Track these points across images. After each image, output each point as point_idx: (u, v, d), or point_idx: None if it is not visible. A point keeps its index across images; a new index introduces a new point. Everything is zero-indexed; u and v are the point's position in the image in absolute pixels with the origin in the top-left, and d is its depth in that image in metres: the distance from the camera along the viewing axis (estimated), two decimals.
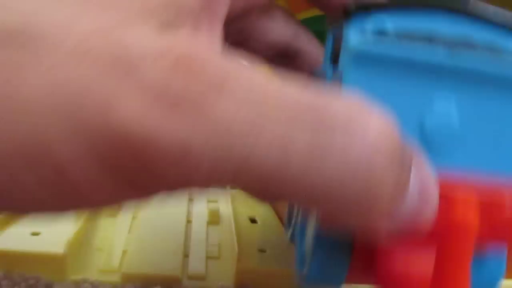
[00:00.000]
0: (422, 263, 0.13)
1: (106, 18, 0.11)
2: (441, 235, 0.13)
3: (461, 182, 0.14)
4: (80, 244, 0.25)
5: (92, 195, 0.11)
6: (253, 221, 0.31)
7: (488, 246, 0.14)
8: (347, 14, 0.14)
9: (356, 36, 0.14)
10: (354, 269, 0.15)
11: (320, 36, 0.20)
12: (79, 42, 0.10)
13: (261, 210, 0.34)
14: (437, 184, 0.12)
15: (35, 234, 0.25)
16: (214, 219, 0.31)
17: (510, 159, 0.14)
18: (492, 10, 0.14)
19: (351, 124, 0.11)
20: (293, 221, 0.22)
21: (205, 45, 0.12)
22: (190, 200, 0.35)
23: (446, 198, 0.13)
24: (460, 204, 0.13)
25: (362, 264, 0.15)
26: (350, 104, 0.11)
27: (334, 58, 0.15)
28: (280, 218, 0.32)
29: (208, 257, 0.26)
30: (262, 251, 0.26)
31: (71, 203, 0.11)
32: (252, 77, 0.11)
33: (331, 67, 0.16)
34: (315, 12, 0.29)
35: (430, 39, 0.14)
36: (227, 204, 0.34)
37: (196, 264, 0.25)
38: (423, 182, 0.12)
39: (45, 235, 0.25)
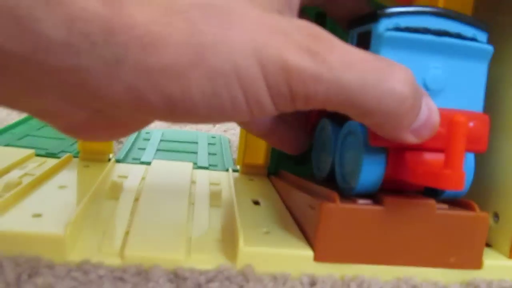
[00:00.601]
0: (437, 157, 0.23)
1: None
2: (449, 130, 0.21)
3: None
4: (81, 226, 0.25)
5: (250, 107, 0.18)
6: (256, 203, 0.31)
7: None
8: (376, 17, 0.24)
9: (384, 28, 0.24)
10: (387, 178, 0.24)
11: None
12: (255, 17, 0.18)
13: (264, 193, 0.34)
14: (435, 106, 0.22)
15: (36, 215, 0.25)
16: (216, 201, 0.31)
17: (473, 100, 0.25)
18: (457, 13, 0.24)
19: (392, 68, 0.19)
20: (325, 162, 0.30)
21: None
22: (193, 182, 0.35)
23: (447, 112, 0.22)
24: (457, 113, 0.21)
25: (392, 171, 0.24)
26: (387, 60, 0.20)
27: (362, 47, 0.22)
28: (283, 200, 0.32)
29: (210, 239, 0.25)
30: (265, 233, 0.26)
31: (234, 111, 0.18)
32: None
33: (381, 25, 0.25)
34: None
35: (425, 30, 0.24)
36: (230, 186, 0.34)
37: (199, 246, 0.24)
38: (429, 104, 0.21)
39: (46, 216, 0.25)
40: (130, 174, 0.36)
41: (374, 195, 0.25)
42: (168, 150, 0.45)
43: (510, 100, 0.28)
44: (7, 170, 0.34)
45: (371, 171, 0.24)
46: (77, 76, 0.16)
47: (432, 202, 0.24)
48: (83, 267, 0.21)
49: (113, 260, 0.22)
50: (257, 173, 0.39)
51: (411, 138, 0.21)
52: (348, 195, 0.25)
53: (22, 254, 0.22)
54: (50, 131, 0.49)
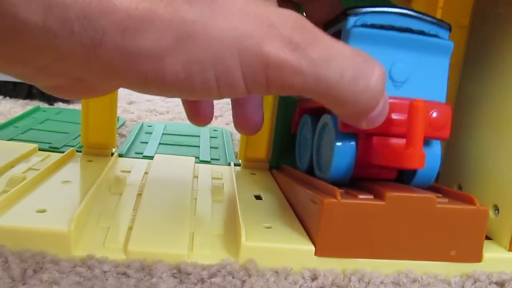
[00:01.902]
0: (400, 141, 0.25)
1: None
2: (409, 114, 0.23)
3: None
4: (85, 221, 0.25)
5: (221, 92, 0.19)
6: (258, 197, 0.31)
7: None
8: (345, 16, 0.26)
9: (351, 25, 0.26)
10: (358, 164, 0.26)
11: None
12: (240, 6, 0.18)
13: (266, 187, 0.34)
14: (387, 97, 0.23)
15: (40, 211, 0.25)
16: (218, 196, 0.31)
17: (436, 91, 0.27)
18: (421, 13, 0.26)
19: (369, 65, 0.20)
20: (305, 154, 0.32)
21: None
22: (195, 177, 0.35)
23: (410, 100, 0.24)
24: (416, 99, 0.23)
25: (362, 157, 0.26)
26: (365, 55, 0.20)
27: None
28: (285, 195, 0.32)
29: (213, 234, 0.26)
30: (267, 228, 0.26)
31: (205, 94, 0.19)
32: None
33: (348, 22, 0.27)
34: None
35: (390, 27, 0.26)
36: (232, 181, 0.34)
37: (201, 241, 0.25)
38: (385, 96, 0.22)
39: (51, 212, 0.25)
40: (133, 169, 0.36)
41: (375, 191, 0.25)
42: (170, 143, 0.46)
43: None
44: (11, 165, 0.34)
45: (342, 157, 0.26)
46: (55, 55, 0.16)
47: (432, 196, 0.24)
48: (88, 263, 0.22)
49: (117, 256, 0.23)
50: (259, 167, 0.39)
51: (364, 125, 0.23)
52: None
53: (27, 249, 0.22)
54: (53, 125, 0.49)
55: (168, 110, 0.64)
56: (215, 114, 0.64)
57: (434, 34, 0.26)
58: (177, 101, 0.69)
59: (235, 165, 0.39)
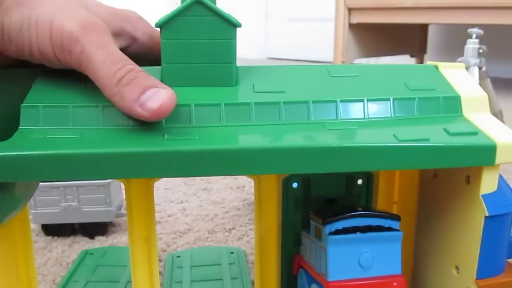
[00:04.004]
0: None
1: None
2: None
3: None
4: None
5: (40, 56, 0.33)
6: None
7: None
8: (323, 223, 0.38)
9: (328, 231, 0.38)
10: None
11: None
12: (60, 2, 0.33)
13: None
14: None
15: None
16: None
17: (393, 267, 0.39)
18: (377, 212, 0.47)
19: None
20: None
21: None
22: None
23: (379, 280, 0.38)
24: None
25: None
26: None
27: (318, 236, 0.39)
28: None
29: None
30: None
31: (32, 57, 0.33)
32: None
33: (317, 239, 0.40)
34: None
35: (355, 228, 0.38)
36: None
37: None
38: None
39: None
40: None
41: None
42: (200, 280, 0.58)
43: None
44: None
45: None
46: None
47: None
48: None
49: None
50: None
51: (117, 99, 0.32)
52: None
53: None
54: (103, 272, 0.61)
55: (189, 228, 0.76)
56: (228, 226, 0.76)
57: (388, 227, 0.38)
58: (195, 216, 0.81)
59: None
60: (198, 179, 1.00)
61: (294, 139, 0.34)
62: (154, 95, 0.30)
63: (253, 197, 0.50)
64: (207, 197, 0.90)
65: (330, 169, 0.33)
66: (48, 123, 0.34)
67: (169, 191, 0.93)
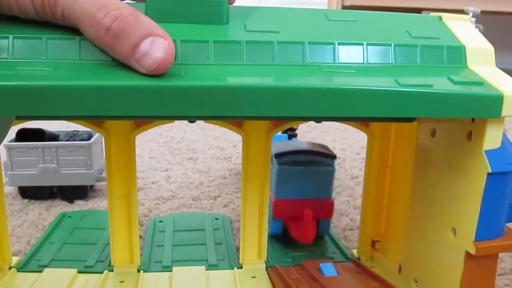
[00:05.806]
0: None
1: None
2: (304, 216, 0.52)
3: None
4: None
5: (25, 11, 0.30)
6: None
7: None
8: (275, 155, 0.53)
9: (276, 163, 0.53)
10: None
11: None
12: None
13: None
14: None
15: None
16: None
17: (326, 192, 0.55)
18: (318, 150, 0.57)
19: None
20: None
21: None
22: None
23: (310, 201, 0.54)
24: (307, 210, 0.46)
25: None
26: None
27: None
28: None
29: None
30: None
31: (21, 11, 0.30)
32: None
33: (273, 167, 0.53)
34: None
35: (298, 162, 0.53)
36: None
37: None
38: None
39: None
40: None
41: None
42: (182, 244, 0.55)
43: None
44: None
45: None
46: None
47: None
48: None
49: None
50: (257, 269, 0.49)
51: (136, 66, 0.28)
52: None
53: None
54: (81, 235, 0.58)
55: (173, 195, 0.73)
56: (213, 194, 0.74)
57: (326, 163, 0.53)
58: (180, 183, 0.78)
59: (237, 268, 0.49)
60: (183, 148, 0.98)
61: (286, 80, 0.31)
62: (150, 48, 0.27)
63: (240, 167, 0.48)
64: (193, 166, 0.87)
65: (325, 112, 0.30)
66: (19, 56, 0.31)
67: (153, 160, 0.90)
